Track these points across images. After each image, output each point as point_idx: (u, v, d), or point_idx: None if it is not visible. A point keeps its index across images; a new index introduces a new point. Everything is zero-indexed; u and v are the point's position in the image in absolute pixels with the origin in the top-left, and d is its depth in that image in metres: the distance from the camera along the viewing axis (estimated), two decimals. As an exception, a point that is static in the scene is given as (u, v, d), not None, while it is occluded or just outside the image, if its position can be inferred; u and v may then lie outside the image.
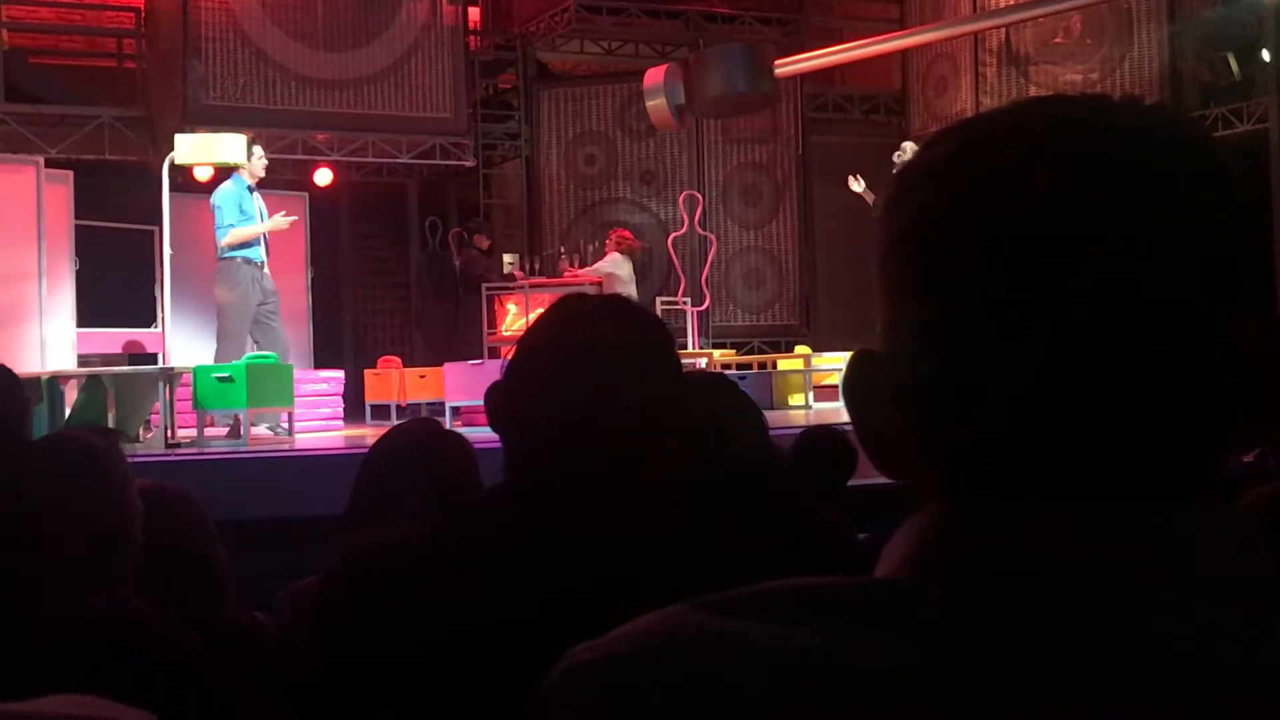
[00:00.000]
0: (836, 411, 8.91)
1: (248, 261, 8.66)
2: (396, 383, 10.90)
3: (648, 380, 1.46)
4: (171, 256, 8.52)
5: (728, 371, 10.58)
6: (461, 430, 2.98)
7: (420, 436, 2.76)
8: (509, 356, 1.52)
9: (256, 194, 8.82)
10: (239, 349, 8.54)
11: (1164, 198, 0.64)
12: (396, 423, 3.10)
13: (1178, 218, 0.64)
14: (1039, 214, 0.64)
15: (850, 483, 3.71)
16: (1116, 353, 0.63)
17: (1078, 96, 0.68)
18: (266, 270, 8.83)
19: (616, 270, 11.15)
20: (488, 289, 11.42)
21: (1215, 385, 0.64)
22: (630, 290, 11.08)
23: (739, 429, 2.38)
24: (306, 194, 12.24)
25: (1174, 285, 0.63)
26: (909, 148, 8.99)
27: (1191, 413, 0.64)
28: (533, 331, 1.52)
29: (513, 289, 11.29)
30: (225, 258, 8.68)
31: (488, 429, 1.54)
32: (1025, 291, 0.63)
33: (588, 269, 11.42)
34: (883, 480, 0.73)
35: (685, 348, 11.33)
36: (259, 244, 8.73)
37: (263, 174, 8.86)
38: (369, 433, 8.84)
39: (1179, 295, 0.63)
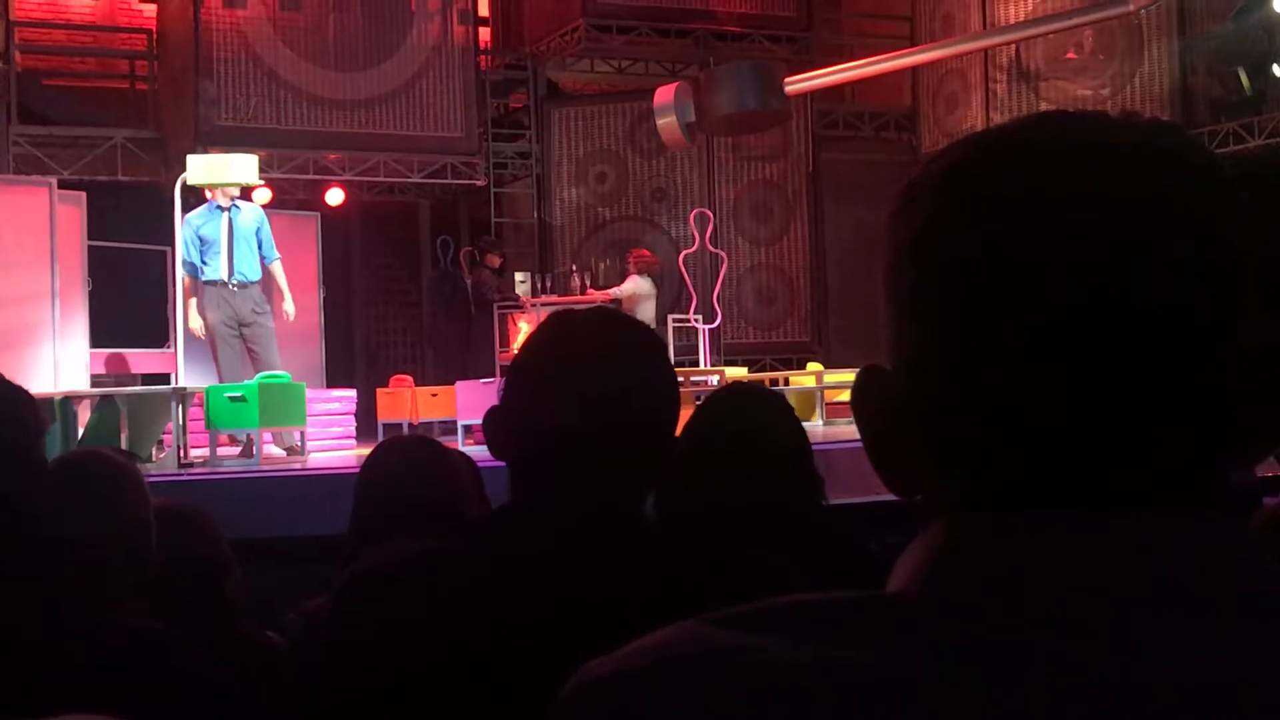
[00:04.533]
0: (849, 429, 8.89)
1: (206, 282, 8.60)
2: (409, 401, 10.88)
3: (642, 389, 1.46)
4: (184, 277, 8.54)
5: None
6: (473, 449, 2.95)
7: (411, 456, 2.69)
8: (504, 381, 1.53)
9: (233, 212, 8.63)
10: (218, 372, 8.52)
11: (1165, 211, 0.64)
12: (383, 440, 2.97)
13: (1180, 230, 0.64)
14: (1042, 227, 0.64)
15: (872, 499, 3.67)
16: (1122, 364, 0.63)
17: (1082, 113, 0.69)
18: (246, 291, 8.62)
19: (639, 291, 11.15)
20: (499, 307, 11.43)
21: (1222, 395, 0.64)
22: (650, 308, 11.09)
23: (769, 446, 2.35)
24: (318, 214, 12.27)
25: (1177, 297, 0.63)
26: None
27: (1199, 423, 0.64)
28: (524, 353, 1.52)
29: (525, 308, 11.28)
30: None
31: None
32: (1030, 304, 0.64)
33: (613, 290, 11.38)
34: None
35: (697, 365, 11.32)
36: (216, 261, 8.55)
37: (210, 194, 8.66)
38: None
39: (1183, 307, 0.63)
